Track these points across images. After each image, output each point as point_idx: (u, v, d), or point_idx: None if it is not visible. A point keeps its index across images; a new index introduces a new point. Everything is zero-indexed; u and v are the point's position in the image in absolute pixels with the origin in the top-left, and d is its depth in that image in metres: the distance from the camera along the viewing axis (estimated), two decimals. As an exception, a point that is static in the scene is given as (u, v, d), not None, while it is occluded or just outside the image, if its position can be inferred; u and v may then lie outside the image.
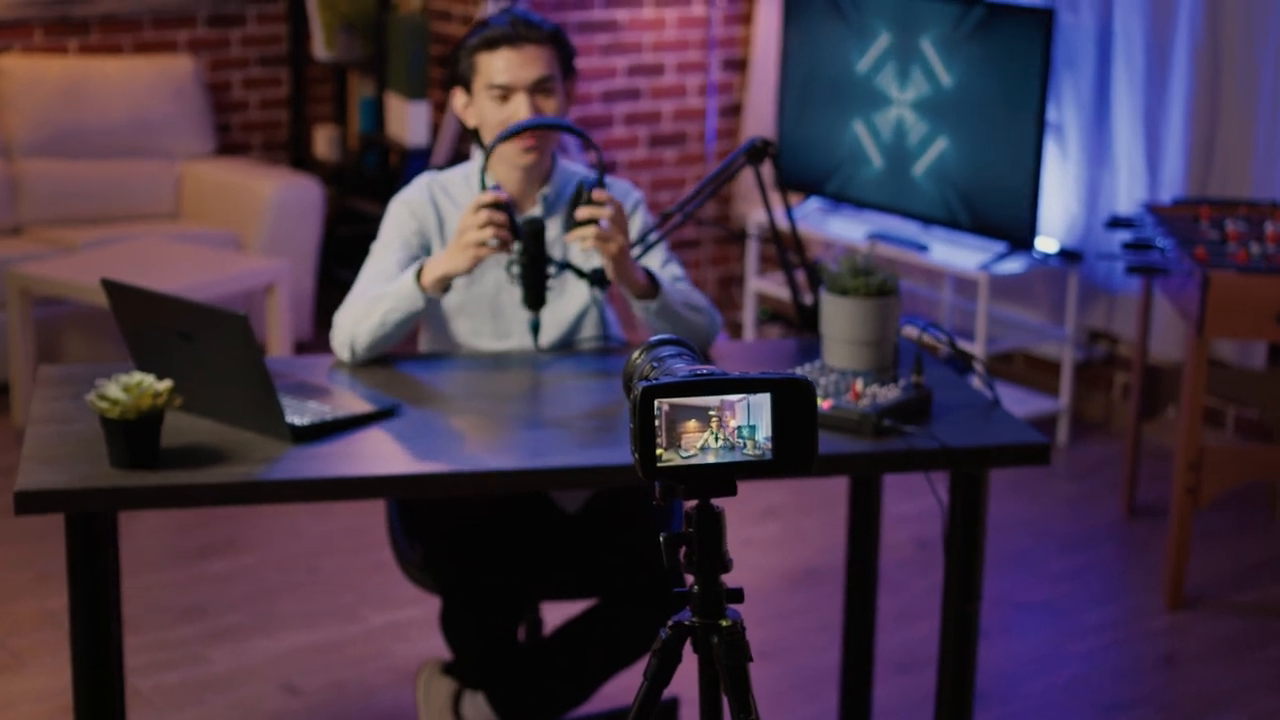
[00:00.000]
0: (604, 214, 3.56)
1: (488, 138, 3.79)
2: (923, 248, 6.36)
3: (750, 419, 2.17)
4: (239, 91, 7.64)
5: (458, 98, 3.83)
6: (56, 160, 6.89)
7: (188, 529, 5.37)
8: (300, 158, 7.74)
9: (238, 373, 3.21)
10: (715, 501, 2.24)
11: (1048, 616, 4.96)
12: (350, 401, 3.44)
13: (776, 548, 5.37)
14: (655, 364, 2.31)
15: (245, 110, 7.68)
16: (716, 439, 2.16)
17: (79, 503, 3.03)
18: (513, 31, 3.72)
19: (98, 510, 3.07)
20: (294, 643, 4.68)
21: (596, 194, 3.60)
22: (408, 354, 3.79)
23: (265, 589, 5.00)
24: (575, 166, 3.92)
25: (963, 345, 3.88)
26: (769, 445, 2.17)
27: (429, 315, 3.80)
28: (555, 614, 4.14)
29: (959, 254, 6.34)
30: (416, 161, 7.07)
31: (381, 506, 4.50)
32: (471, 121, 3.82)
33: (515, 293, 3.76)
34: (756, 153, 3.94)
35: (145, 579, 5.00)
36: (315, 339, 6.84)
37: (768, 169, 5.83)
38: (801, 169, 6.80)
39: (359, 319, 3.65)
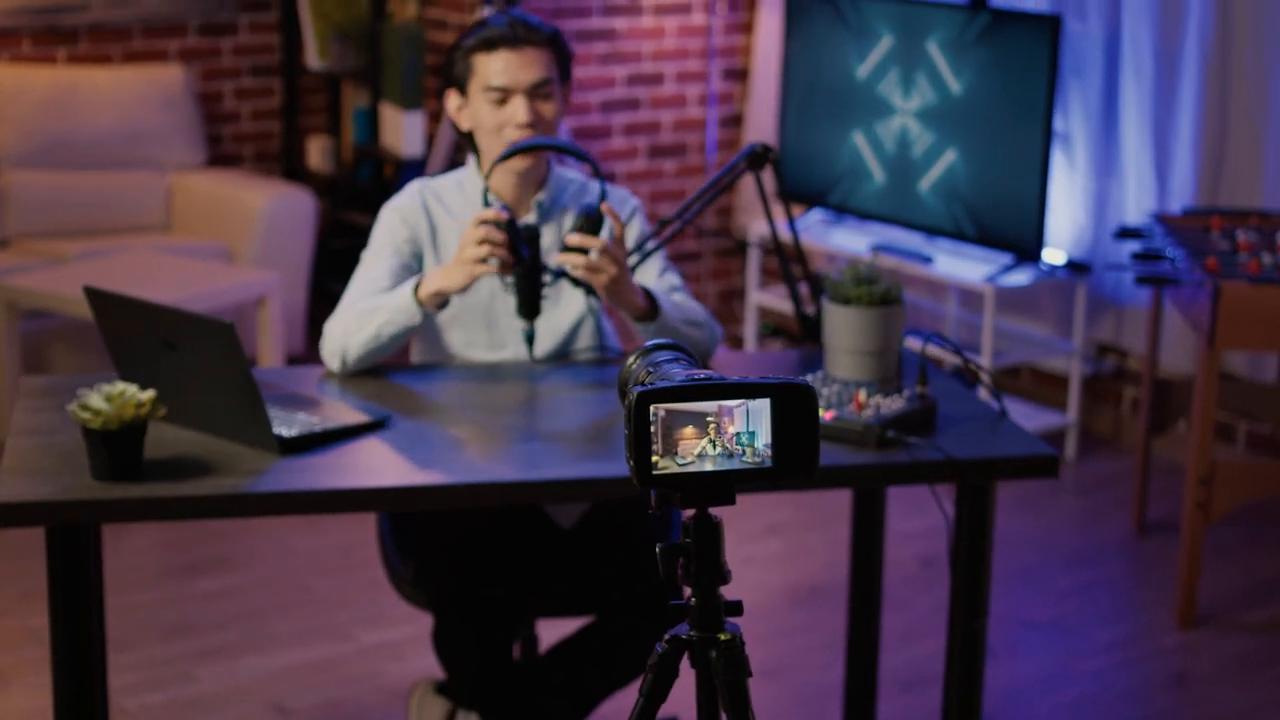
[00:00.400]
0: (595, 244, 3.49)
1: (483, 141, 3.75)
2: (927, 259, 6.30)
3: (749, 425, 2.14)
4: (230, 102, 7.59)
5: (451, 100, 3.79)
6: (45, 171, 6.83)
7: (176, 546, 5.32)
8: (293, 169, 7.70)
9: (223, 383, 3.16)
10: (713, 511, 2.20)
11: (1056, 635, 4.91)
12: (340, 412, 3.39)
13: (779, 564, 5.32)
14: (651, 369, 2.27)
15: (237, 121, 7.63)
16: (714, 446, 2.13)
17: (59, 515, 2.98)
18: (512, 33, 3.69)
19: (78, 523, 3.02)
20: (284, 662, 4.63)
21: (604, 206, 3.54)
22: (400, 365, 3.75)
23: (255, 607, 4.95)
24: (571, 173, 3.87)
25: (968, 358, 3.85)
26: (769, 452, 2.14)
27: (421, 325, 3.72)
28: (551, 632, 4.06)
29: (964, 266, 6.29)
30: (411, 173, 7.01)
31: (373, 524, 4.46)
32: (465, 124, 3.79)
33: (509, 302, 3.72)
34: (757, 158, 3.88)
35: (132, 597, 4.95)
36: (307, 353, 6.77)
37: (769, 180, 5.77)
38: (804, 180, 6.75)
39: (351, 330, 3.60)
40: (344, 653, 4.67)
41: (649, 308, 3.60)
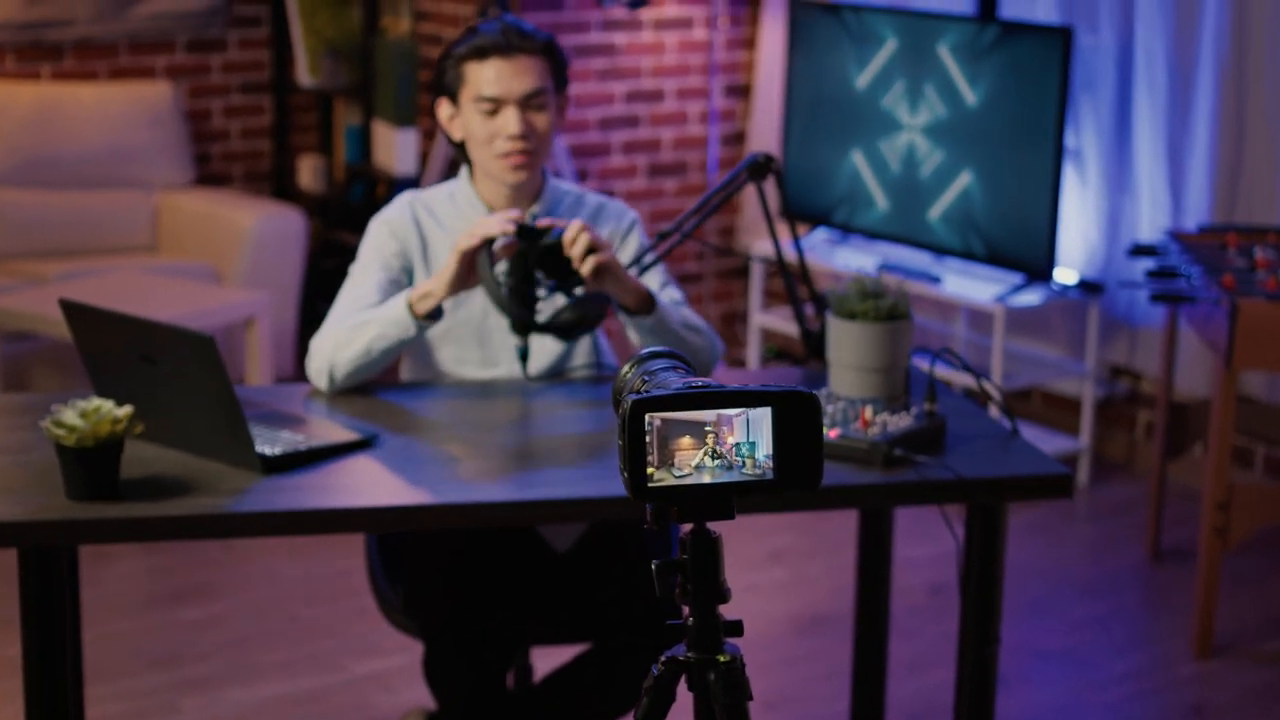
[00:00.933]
0: (575, 227, 3.44)
1: (475, 152, 3.70)
2: (935, 279, 6.20)
3: (749, 435, 2.07)
4: (219, 120, 7.55)
5: (443, 109, 3.73)
6: (28, 190, 6.78)
7: (160, 573, 5.26)
8: (283, 188, 7.67)
9: (204, 399, 3.10)
10: (712, 526, 2.12)
11: (1069, 665, 4.83)
12: (326, 430, 3.32)
13: (782, 593, 5.24)
14: (646, 377, 2.20)
15: (226, 139, 7.59)
16: (713, 457, 2.07)
17: (32, 536, 2.91)
18: (504, 40, 3.61)
19: (52, 544, 2.95)
20: (271, 693, 4.55)
21: (543, 221, 3.49)
22: (389, 382, 3.67)
23: (241, 636, 4.88)
24: (566, 185, 3.79)
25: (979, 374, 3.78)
26: (770, 464, 2.08)
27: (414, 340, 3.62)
28: (546, 661, 3.98)
29: (973, 286, 6.21)
30: (404, 192, 6.92)
31: (362, 550, 4.39)
32: (457, 135, 3.74)
33: (503, 318, 3.63)
34: (759, 168, 3.79)
35: (114, 625, 4.88)
36: (297, 374, 6.70)
37: (773, 196, 5.67)
38: (808, 198, 6.66)
39: (340, 345, 3.53)
40: (332, 683, 4.60)
41: (648, 298, 3.52)
